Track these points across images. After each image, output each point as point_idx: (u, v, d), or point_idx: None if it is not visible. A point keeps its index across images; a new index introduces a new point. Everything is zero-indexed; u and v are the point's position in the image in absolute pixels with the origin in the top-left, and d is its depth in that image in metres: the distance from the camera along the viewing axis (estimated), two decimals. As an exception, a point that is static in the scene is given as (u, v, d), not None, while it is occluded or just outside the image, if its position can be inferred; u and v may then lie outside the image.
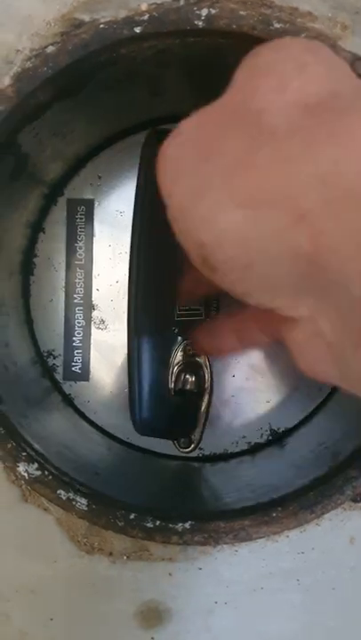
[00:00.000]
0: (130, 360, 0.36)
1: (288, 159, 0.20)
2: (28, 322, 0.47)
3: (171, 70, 0.39)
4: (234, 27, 0.34)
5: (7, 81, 0.35)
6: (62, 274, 0.47)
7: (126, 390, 0.47)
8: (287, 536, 0.35)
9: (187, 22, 0.34)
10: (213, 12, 0.34)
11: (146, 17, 0.34)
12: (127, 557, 0.36)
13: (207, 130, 0.23)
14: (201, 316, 0.47)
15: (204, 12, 0.34)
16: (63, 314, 0.47)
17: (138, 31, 0.34)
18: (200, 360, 0.47)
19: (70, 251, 0.47)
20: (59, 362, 0.47)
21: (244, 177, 0.21)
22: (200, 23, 0.34)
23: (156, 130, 0.38)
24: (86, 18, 0.35)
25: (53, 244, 0.47)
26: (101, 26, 0.34)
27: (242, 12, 0.34)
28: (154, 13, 0.34)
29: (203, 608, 0.36)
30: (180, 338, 0.46)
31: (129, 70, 0.37)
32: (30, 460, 0.35)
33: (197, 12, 0.34)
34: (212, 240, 0.21)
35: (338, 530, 0.35)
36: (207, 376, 0.47)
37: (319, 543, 0.35)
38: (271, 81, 0.22)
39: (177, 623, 0.36)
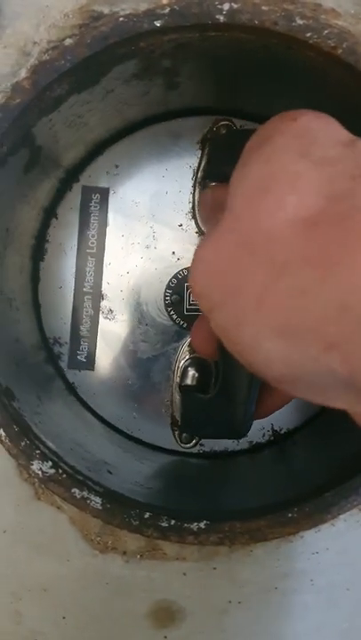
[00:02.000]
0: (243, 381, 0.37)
1: (305, 291, 0.21)
2: (36, 307, 0.46)
3: (189, 64, 0.38)
4: (256, 22, 0.34)
5: (24, 73, 0.34)
6: (73, 261, 0.46)
7: (130, 382, 0.47)
8: (302, 536, 0.35)
9: (208, 16, 0.34)
10: (235, 6, 0.33)
11: (167, 10, 0.33)
12: (141, 556, 0.35)
13: (224, 262, 0.24)
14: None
15: (226, 6, 0.33)
16: (72, 301, 0.46)
17: (158, 25, 0.34)
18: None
19: (82, 238, 0.46)
20: (64, 350, 0.47)
21: (271, 310, 0.22)
22: (221, 17, 0.34)
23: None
24: (105, 10, 0.34)
25: (66, 230, 0.46)
26: (121, 19, 0.33)
27: (264, 7, 0.34)
28: (175, 7, 0.33)
29: (216, 608, 0.36)
30: (188, 334, 0.46)
31: (147, 63, 0.37)
32: (44, 457, 0.35)
33: (219, 6, 0.33)
34: (258, 362, 0.23)
35: (353, 530, 0.35)
36: (213, 372, 0.46)
37: (334, 544, 0.35)
38: (269, 202, 0.23)
39: (190, 623, 0.36)
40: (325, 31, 0.34)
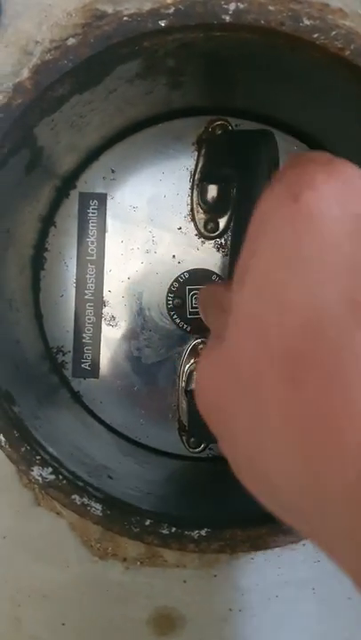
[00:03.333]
0: None
1: (292, 460, 0.18)
2: (38, 317, 0.46)
3: (193, 63, 0.38)
4: (262, 22, 0.33)
5: (26, 73, 0.33)
6: (73, 269, 0.46)
7: (136, 388, 0.46)
8: (303, 544, 0.35)
9: (213, 16, 0.33)
10: (241, 6, 0.33)
11: (171, 10, 0.33)
12: (141, 563, 0.35)
13: (216, 391, 0.22)
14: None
15: (232, 6, 0.33)
16: (73, 310, 0.46)
17: (163, 24, 0.33)
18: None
19: (82, 245, 0.46)
20: (68, 358, 0.46)
21: (255, 471, 0.20)
22: (227, 17, 0.33)
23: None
24: (109, 9, 0.33)
25: (65, 238, 0.46)
26: (125, 18, 0.33)
27: (271, 7, 0.33)
28: (180, 6, 0.33)
29: (217, 615, 0.35)
30: (192, 337, 0.46)
31: (150, 63, 0.36)
32: (44, 463, 0.34)
33: (225, 5, 0.33)
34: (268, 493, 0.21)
35: (355, 539, 0.35)
36: None
37: (336, 552, 0.35)
38: (256, 337, 0.19)
39: (190, 630, 0.35)
40: (333, 32, 0.33)
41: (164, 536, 0.34)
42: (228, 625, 0.35)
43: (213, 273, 0.46)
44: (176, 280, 0.45)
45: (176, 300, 0.45)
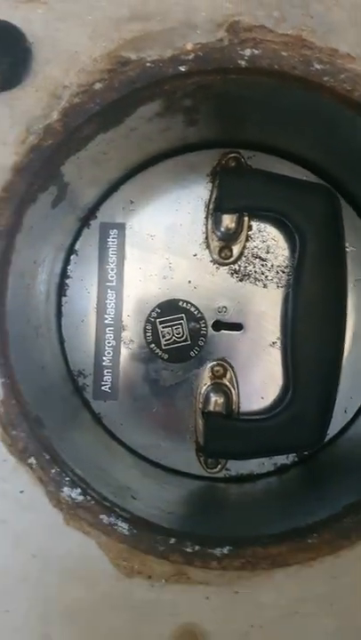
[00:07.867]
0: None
1: None
2: (61, 342, 0.47)
3: (208, 102, 0.40)
4: (276, 66, 0.35)
5: (55, 116, 0.35)
6: (94, 295, 0.48)
7: (154, 410, 0.48)
8: (321, 561, 0.36)
9: (230, 61, 0.35)
10: (256, 52, 0.35)
11: (191, 56, 0.35)
12: (166, 581, 0.36)
13: None
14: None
15: (248, 52, 0.35)
16: (94, 334, 0.48)
17: (183, 70, 0.35)
18: (227, 382, 0.48)
19: (102, 272, 0.48)
20: (89, 381, 0.48)
21: None
22: (243, 62, 0.35)
23: None
24: (133, 56, 0.35)
25: (86, 265, 0.48)
26: (148, 64, 0.35)
27: (283, 53, 0.35)
28: (199, 53, 0.35)
29: (239, 631, 0.37)
30: (207, 360, 0.47)
31: (169, 103, 0.38)
32: (73, 484, 0.36)
33: (241, 51, 0.35)
34: None
35: (371, 555, 0.36)
36: (235, 397, 0.48)
37: (353, 568, 0.36)
38: None
39: (214, 646, 0.37)
40: (341, 75, 0.35)
41: (188, 554, 0.36)
42: (250, 640, 0.37)
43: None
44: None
45: (192, 324, 0.47)
